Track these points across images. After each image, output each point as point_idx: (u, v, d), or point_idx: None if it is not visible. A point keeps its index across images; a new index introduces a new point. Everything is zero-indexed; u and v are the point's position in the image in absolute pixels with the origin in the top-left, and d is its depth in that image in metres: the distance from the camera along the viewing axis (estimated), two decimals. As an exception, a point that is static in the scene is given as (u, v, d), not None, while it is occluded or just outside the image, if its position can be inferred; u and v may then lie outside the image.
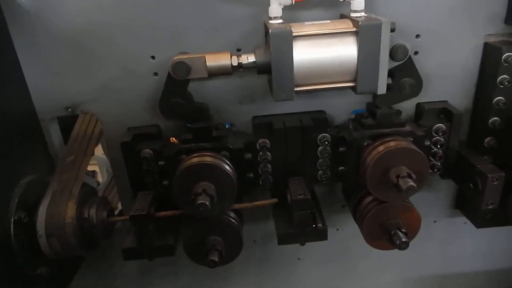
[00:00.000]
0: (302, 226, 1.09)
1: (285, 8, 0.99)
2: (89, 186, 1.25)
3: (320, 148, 1.14)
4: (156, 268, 1.50)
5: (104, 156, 1.95)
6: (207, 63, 0.99)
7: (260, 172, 1.16)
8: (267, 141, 1.13)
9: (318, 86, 1.00)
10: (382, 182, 1.04)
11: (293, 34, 0.92)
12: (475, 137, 1.23)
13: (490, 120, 1.16)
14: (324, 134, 1.13)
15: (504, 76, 1.11)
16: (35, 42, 1.09)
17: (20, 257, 1.01)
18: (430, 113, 1.19)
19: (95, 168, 2.37)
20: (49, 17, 1.06)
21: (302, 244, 1.13)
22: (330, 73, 0.97)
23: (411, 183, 0.96)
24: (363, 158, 1.08)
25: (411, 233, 1.12)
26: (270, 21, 0.99)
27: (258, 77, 1.08)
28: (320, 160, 1.16)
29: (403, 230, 1.09)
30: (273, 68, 0.94)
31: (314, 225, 1.10)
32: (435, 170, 1.19)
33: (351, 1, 0.98)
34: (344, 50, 0.95)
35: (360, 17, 0.97)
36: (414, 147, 1.05)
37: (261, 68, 0.98)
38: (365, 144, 1.09)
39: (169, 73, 1.01)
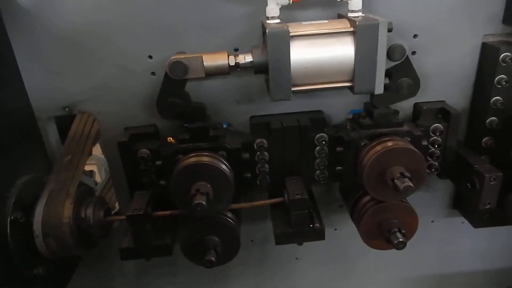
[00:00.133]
0: (299, 226, 1.09)
1: (283, 8, 0.99)
2: (86, 186, 1.25)
3: (317, 148, 1.14)
4: (154, 269, 1.50)
5: (103, 156, 1.95)
6: (204, 63, 0.99)
7: (257, 172, 1.16)
8: (265, 141, 1.12)
9: (315, 86, 1.00)
10: (380, 182, 1.05)
11: (291, 34, 0.92)
12: (472, 137, 1.23)
13: (487, 120, 1.16)
14: (321, 134, 1.13)
15: (502, 76, 1.11)
16: (32, 41, 1.08)
17: (17, 257, 1.00)
18: (427, 113, 1.19)
19: (93, 168, 2.37)
20: (46, 17, 1.06)
21: (300, 244, 1.13)
22: (327, 73, 0.97)
23: (408, 183, 0.96)
24: (361, 158, 1.08)
25: (409, 233, 1.12)
26: (268, 21, 0.98)
27: (255, 76, 1.08)
28: (318, 160, 1.16)
29: (401, 230, 1.09)
30: (270, 68, 0.94)
31: (311, 225, 1.10)
32: (433, 170, 1.19)
33: (349, 1, 0.98)
34: (341, 50, 0.95)
35: (357, 17, 0.97)
36: (411, 147, 1.05)
37: (258, 68, 0.98)
38: (363, 144, 1.09)
39: (166, 73, 1.01)
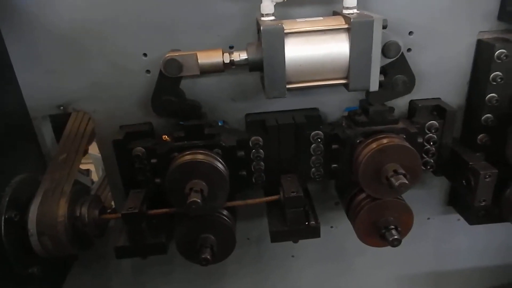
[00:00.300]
0: (295, 224, 1.09)
1: (278, 5, 0.99)
2: (82, 184, 1.24)
3: (313, 146, 1.14)
4: (151, 267, 1.49)
5: (100, 155, 1.94)
6: (199, 61, 0.98)
7: (253, 169, 1.15)
8: (260, 139, 1.12)
9: (310, 83, 0.99)
10: (375, 179, 1.04)
11: (285, 31, 0.92)
12: (468, 134, 1.24)
13: (483, 117, 1.16)
14: (317, 131, 1.13)
15: (497, 73, 1.11)
16: (26, 39, 1.08)
17: (11, 256, 1.00)
18: (423, 110, 1.18)
19: (90, 166, 2.37)
20: (41, 14, 1.05)
21: (295, 241, 1.13)
22: (322, 70, 0.97)
23: (403, 180, 0.96)
24: (356, 155, 1.08)
25: (404, 230, 1.12)
26: (262, 18, 0.98)
27: (251, 74, 1.08)
28: (313, 157, 1.15)
29: (396, 227, 1.09)
30: (265, 66, 0.93)
31: (307, 223, 1.10)
32: (428, 167, 1.19)
33: (343, -2, 0.98)
34: (336, 47, 0.95)
35: (352, 14, 0.97)
36: (406, 144, 1.05)
37: (253, 66, 0.98)
38: (358, 141, 1.09)
39: (161, 71, 1.01)
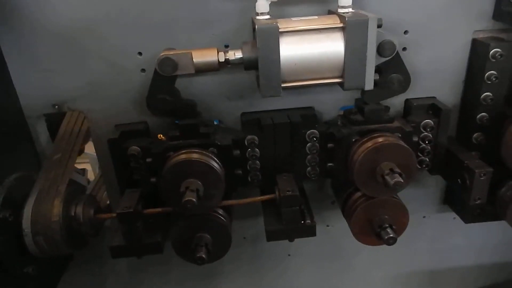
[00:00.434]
0: (290, 223, 1.09)
1: (273, 4, 0.99)
2: (77, 184, 1.24)
3: (308, 145, 1.14)
4: (147, 267, 1.49)
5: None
6: (193, 59, 0.98)
7: (248, 168, 1.15)
8: (256, 138, 1.12)
9: (305, 82, 0.99)
10: (370, 178, 1.05)
11: (280, 30, 0.91)
12: (463, 133, 1.24)
13: (478, 116, 1.17)
14: (312, 130, 1.13)
15: (492, 72, 1.11)
16: (20, 38, 1.07)
17: (6, 256, 1.00)
18: (418, 109, 1.19)
19: (86, 166, 2.36)
20: (35, 13, 1.05)
21: (291, 240, 1.13)
22: (317, 69, 0.97)
23: (399, 178, 0.96)
24: (351, 154, 1.08)
25: (400, 228, 1.13)
26: (257, 17, 0.98)
27: (246, 73, 1.08)
28: (309, 156, 1.15)
29: (391, 225, 1.09)
30: (260, 64, 0.93)
31: (302, 222, 1.10)
32: (424, 165, 1.20)
33: (338, -3, 0.98)
34: (331, 46, 0.95)
35: (347, 12, 0.97)
36: (401, 142, 1.05)
37: (248, 64, 0.98)
38: (353, 140, 1.09)
39: (156, 70, 1.01)
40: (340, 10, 0.98)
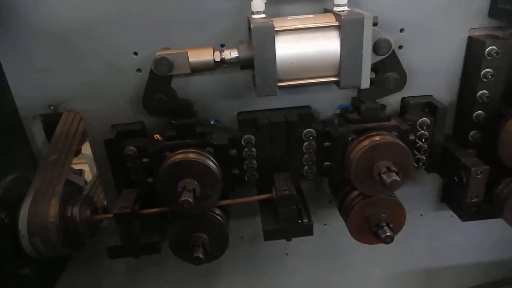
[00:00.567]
0: (287, 222, 1.08)
1: (268, 3, 0.98)
2: (74, 184, 1.24)
3: (305, 144, 1.14)
4: (144, 267, 1.49)
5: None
6: (189, 59, 0.98)
7: (245, 168, 1.15)
8: (252, 137, 1.12)
9: (301, 81, 0.99)
10: (367, 176, 1.05)
11: (275, 29, 0.91)
12: (460, 131, 1.24)
13: (474, 114, 1.17)
14: (309, 129, 1.12)
15: (488, 69, 1.11)
16: (15, 38, 1.07)
17: (2, 257, 0.99)
18: (415, 108, 1.19)
19: (84, 166, 2.35)
20: (30, 12, 1.04)
21: (289, 240, 1.13)
22: (313, 67, 0.97)
23: (395, 177, 0.97)
24: (348, 153, 1.08)
25: (397, 227, 1.13)
26: (253, 16, 0.98)
27: (243, 72, 1.08)
28: (306, 155, 1.15)
29: (388, 224, 1.09)
30: (255, 63, 0.93)
31: (300, 221, 1.10)
32: (420, 164, 1.20)
33: (334, -5, 0.98)
34: (327, 45, 0.95)
35: (343, 11, 0.97)
36: (398, 141, 1.05)
37: (244, 64, 0.98)
38: (350, 138, 1.09)
39: (151, 69, 1.00)
40: (335, 9, 0.98)
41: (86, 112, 1.17)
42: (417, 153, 1.18)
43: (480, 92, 1.14)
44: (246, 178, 1.17)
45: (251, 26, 0.91)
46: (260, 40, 0.91)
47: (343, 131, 1.10)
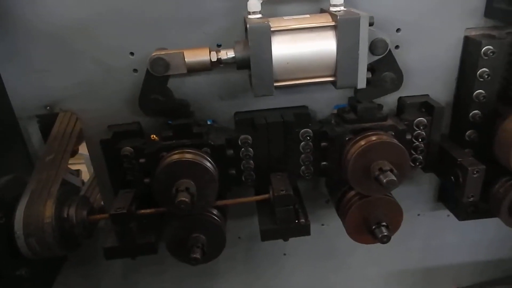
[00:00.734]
0: (285, 222, 1.08)
1: (264, 3, 0.98)
2: (71, 185, 1.23)
3: (302, 144, 1.14)
4: (142, 267, 1.49)
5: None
6: (185, 59, 0.98)
7: (242, 168, 1.15)
8: (249, 137, 1.12)
9: (298, 81, 0.99)
10: (364, 176, 1.05)
11: (272, 29, 0.91)
12: (456, 130, 1.24)
13: (470, 114, 1.17)
14: (306, 129, 1.13)
15: (484, 69, 1.11)
16: (11, 38, 1.06)
17: (-2, 258, 0.99)
18: (411, 107, 1.19)
19: (81, 167, 2.35)
20: (26, 13, 1.04)
21: (286, 240, 1.13)
22: (309, 67, 0.97)
23: (392, 177, 0.97)
24: (345, 152, 1.08)
25: (394, 227, 1.13)
26: (249, 16, 0.98)
27: (239, 72, 1.08)
28: (303, 155, 1.15)
29: (385, 224, 1.09)
30: (252, 64, 0.93)
31: (297, 221, 1.10)
32: (417, 163, 1.20)
33: (330, -5, 0.98)
34: (323, 45, 0.95)
35: (339, 11, 0.97)
36: (395, 141, 1.05)
37: (241, 64, 0.97)
38: (347, 138, 1.09)
39: (148, 70, 1.00)
40: (332, 9, 0.98)
41: (82, 112, 1.17)
42: (414, 153, 1.19)
43: (476, 92, 1.14)
44: (243, 178, 1.17)
45: (247, 26, 0.91)
46: (256, 40, 0.91)
47: (340, 131, 1.10)
